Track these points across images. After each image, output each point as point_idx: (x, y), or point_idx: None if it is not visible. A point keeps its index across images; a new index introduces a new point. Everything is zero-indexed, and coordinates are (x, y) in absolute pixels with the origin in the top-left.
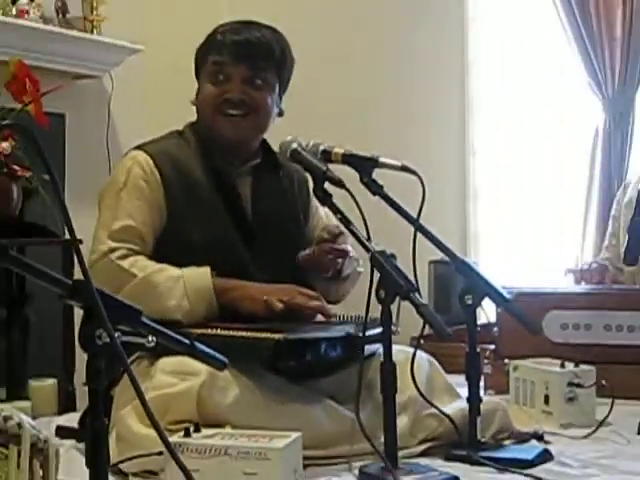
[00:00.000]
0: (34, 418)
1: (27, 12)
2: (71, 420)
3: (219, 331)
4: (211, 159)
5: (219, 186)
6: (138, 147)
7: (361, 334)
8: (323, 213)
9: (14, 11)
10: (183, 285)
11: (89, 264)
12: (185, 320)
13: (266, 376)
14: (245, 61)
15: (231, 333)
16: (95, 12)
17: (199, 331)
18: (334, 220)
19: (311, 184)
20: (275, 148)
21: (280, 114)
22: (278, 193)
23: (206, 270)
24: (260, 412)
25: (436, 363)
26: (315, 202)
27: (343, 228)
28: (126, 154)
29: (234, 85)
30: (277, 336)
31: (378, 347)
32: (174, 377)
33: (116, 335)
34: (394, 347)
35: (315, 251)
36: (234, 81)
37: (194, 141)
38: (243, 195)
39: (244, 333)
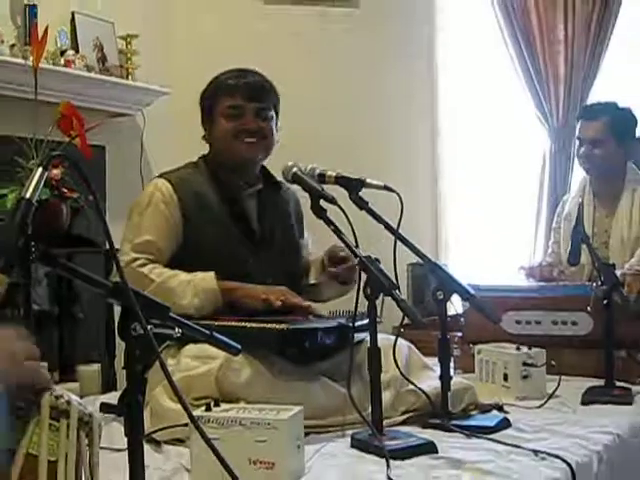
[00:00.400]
0: (81, 397)
1: (73, 62)
2: (112, 398)
3: (232, 323)
4: (221, 184)
5: (229, 206)
6: (160, 175)
7: (351, 324)
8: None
9: (62, 61)
10: (193, 287)
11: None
12: (196, 315)
13: (273, 359)
14: (255, 99)
15: (243, 324)
16: (129, 61)
17: (217, 323)
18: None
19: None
20: (275, 173)
21: (277, 141)
22: (279, 212)
23: (212, 274)
24: (268, 389)
25: (414, 347)
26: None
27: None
28: (151, 181)
29: (248, 119)
30: (282, 326)
31: (366, 335)
32: (196, 361)
33: (148, 327)
34: (379, 335)
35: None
36: (248, 115)
37: (206, 170)
38: (249, 213)
39: (254, 324)
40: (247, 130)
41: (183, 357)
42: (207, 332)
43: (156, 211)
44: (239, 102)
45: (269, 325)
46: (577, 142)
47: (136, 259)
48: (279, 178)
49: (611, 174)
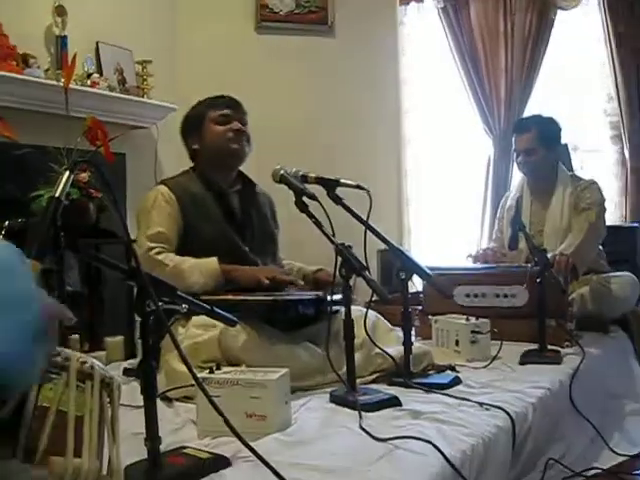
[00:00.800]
0: (108, 363)
1: (98, 83)
2: (133, 364)
3: (230, 297)
4: (210, 184)
5: (218, 201)
6: (161, 182)
7: (327, 297)
8: None
9: (89, 83)
10: (199, 269)
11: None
12: (201, 291)
13: (264, 327)
14: (237, 110)
15: (238, 298)
16: (145, 82)
17: (217, 297)
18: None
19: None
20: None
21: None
22: (256, 206)
23: (214, 259)
24: (261, 352)
25: (380, 316)
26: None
27: None
28: (153, 187)
29: (235, 124)
30: (270, 298)
31: (341, 307)
32: (200, 329)
33: (160, 304)
34: (353, 307)
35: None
36: (234, 121)
37: (196, 175)
38: (233, 205)
39: (247, 297)
40: (236, 131)
41: (191, 326)
42: (208, 307)
43: (161, 209)
44: (226, 112)
45: (260, 298)
46: (514, 153)
47: (152, 248)
48: (258, 187)
49: (545, 175)
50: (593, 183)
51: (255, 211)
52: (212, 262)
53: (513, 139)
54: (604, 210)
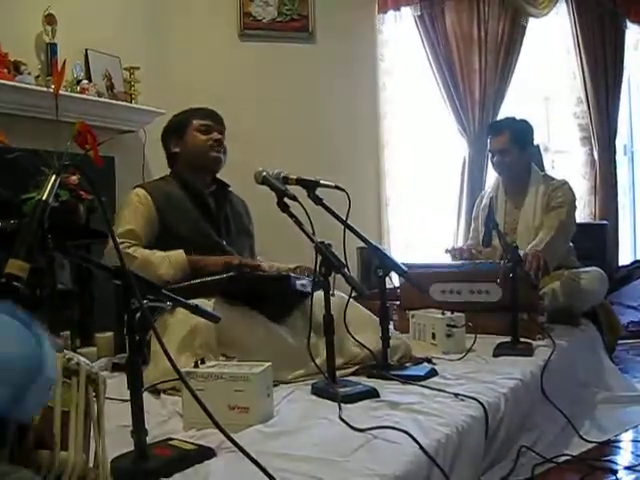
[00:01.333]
0: (98, 358)
1: (87, 89)
2: (122, 359)
3: (196, 281)
4: (187, 185)
5: (194, 201)
6: (138, 185)
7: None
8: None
9: (78, 89)
10: (168, 260)
11: (107, 251)
12: (171, 281)
13: (255, 316)
14: (217, 122)
15: (197, 281)
16: (133, 88)
17: (179, 285)
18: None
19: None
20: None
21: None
22: (230, 203)
23: (181, 251)
24: (250, 336)
25: (357, 304)
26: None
27: None
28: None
29: (215, 135)
30: (226, 275)
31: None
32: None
33: (144, 302)
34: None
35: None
36: (214, 132)
37: (173, 178)
38: (209, 203)
39: (205, 279)
40: (216, 141)
41: (179, 311)
42: (192, 305)
43: (134, 208)
44: (209, 122)
45: (217, 277)
46: (490, 154)
47: (121, 243)
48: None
49: (518, 175)
50: (565, 183)
51: (230, 208)
52: (179, 254)
53: (488, 140)
54: (574, 208)
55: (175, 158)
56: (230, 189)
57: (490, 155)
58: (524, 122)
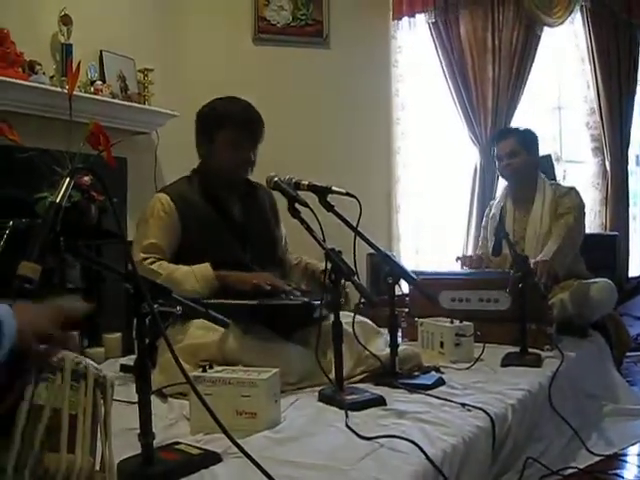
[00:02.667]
0: (106, 359)
1: (101, 90)
2: (130, 360)
3: (218, 301)
4: (210, 191)
5: (217, 211)
6: (161, 190)
7: (315, 303)
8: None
9: (92, 89)
10: (194, 276)
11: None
12: (196, 297)
13: (261, 331)
14: (253, 136)
15: (218, 302)
16: (146, 90)
17: (210, 301)
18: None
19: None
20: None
21: None
22: (258, 209)
23: (207, 264)
24: (256, 353)
25: (368, 320)
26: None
27: None
28: (154, 195)
29: (246, 153)
30: (251, 303)
31: (328, 313)
32: (202, 330)
33: (155, 306)
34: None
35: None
36: (246, 150)
37: (198, 183)
38: (235, 214)
39: (226, 301)
40: (246, 162)
41: (192, 327)
42: (203, 309)
43: (158, 220)
44: (240, 138)
45: (240, 302)
46: (497, 161)
47: (146, 258)
48: (255, 181)
49: (526, 181)
50: (572, 189)
51: (256, 217)
52: (205, 268)
53: (495, 148)
54: (583, 215)
55: (201, 158)
56: (259, 188)
57: (497, 162)
58: (529, 130)
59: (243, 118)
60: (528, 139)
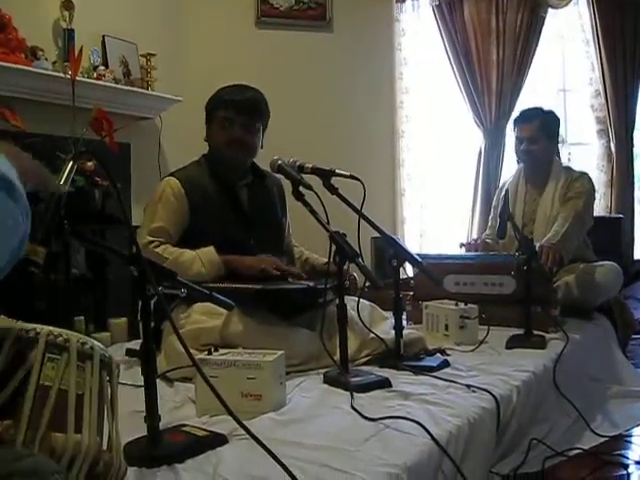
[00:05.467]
0: (112, 344)
1: (104, 75)
2: (136, 345)
3: (223, 285)
4: (219, 178)
5: (226, 196)
6: (170, 174)
7: (319, 287)
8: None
9: (95, 75)
10: (199, 260)
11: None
12: (202, 281)
13: (264, 315)
14: (244, 112)
15: (222, 285)
16: (149, 75)
17: (214, 285)
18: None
19: (287, 189)
20: (263, 166)
21: (261, 147)
22: (265, 196)
23: (211, 248)
24: (259, 337)
25: (375, 305)
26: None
27: None
28: (163, 179)
29: (236, 130)
30: (256, 287)
31: (334, 297)
32: (204, 316)
33: (159, 288)
34: (348, 298)
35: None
36: (236, 127)
37: (207, 167)
38: (242, 199)
39: (238, 285)
40: (234, 140)
41: (193, 312)
42: (207, 292)
43: (167, 203)
44: (230, 115)
45: (249, 286)
46: (516, 141)
47: (152, 242)
48: (264, 168)
49: (541, 165)
50: (584, 174)
51: (264, 204)
52: (211, 252)
53: (516, 128)
54: (593, 200)
55: (206, 140)
56: (267, 176)
57: (516, 142)
58: (553, 113)
59: (235, 99)
60: (550, 124)
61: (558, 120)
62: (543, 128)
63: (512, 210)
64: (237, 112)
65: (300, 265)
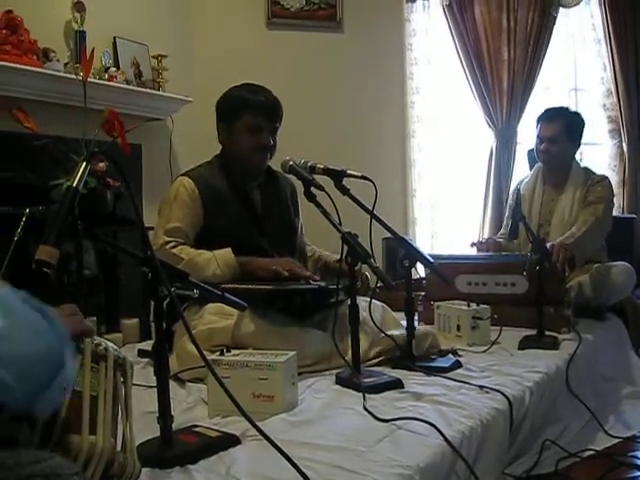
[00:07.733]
0: (124, 345)
1: (115, 77)
2: (148, 345)
3: (235, 285)
4: (232, 179)
5: (238, 196)
6: (184, 174)
7: (329, 288)
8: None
9: (106, 76)
10: (215, 261)
11: (156, 249)
12: (217, 282)
13: (275, 315)
14: (272, 118)
15: (232, 286)
16: (160, 76)
17: (225, 285)
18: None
19: (299, 190)
20: (274, 166)
21: None
22: (277, 197)
23: (229, 249)
24: (271, 338)
25: (387, 307)
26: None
27: None
28: (176, 178)
29: (266, 136)
30: (268, 287)
31: (345, 298)
32: (216, 316)
33: (172, 289)
34: (360, 299)
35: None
36: (265, 133)
37: (219, 168)
38: (255, 200)
39: (241, 286)
40: (264, 146)
41: (206, 313)
42: (219, 293)
43: (182, 203)
44: (261, 121)
45: (257, 287)
46: (537, 139)
47: (168, 242)
48: (276, 168)
49: (561, 167)
50: (605, 178)
51: (277, 204)
52: (227, 253)
53: (539, 126)
54: (612, 206)
55: (222, 144)
56: (280, 176)
57: (537, 141)
58: (578, 115)
59: (261, 102)
60: (574, 126)
61: (583, 123)
62: (566, 129)
63: (528, 210)
64: (266, 118)
65: (312, 263)
